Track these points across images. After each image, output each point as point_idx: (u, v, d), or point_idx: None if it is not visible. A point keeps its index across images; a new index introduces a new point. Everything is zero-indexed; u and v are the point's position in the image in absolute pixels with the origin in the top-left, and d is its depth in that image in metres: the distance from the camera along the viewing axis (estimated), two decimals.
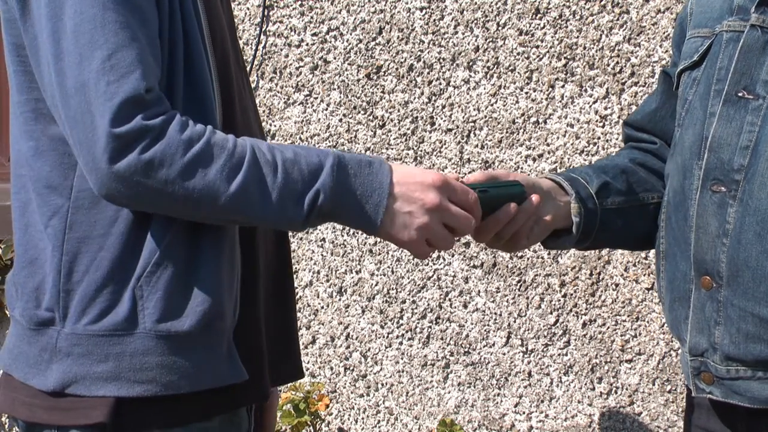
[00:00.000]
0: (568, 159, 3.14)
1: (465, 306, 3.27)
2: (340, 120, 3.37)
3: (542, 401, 3.21)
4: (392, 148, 3.31)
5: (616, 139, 3.10)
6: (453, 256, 3.27)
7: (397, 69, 3.31)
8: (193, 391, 1.66)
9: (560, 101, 3.16)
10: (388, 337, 3.35)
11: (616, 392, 3.14)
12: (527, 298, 3.21)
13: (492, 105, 3.22)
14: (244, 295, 1.76)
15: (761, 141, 1.75)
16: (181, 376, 1.65)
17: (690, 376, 1.86)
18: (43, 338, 1.68)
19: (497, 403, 3.25)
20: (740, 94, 1.79)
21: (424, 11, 3.28)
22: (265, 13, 3.45)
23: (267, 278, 1.85)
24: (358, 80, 3.35)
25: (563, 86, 3.15)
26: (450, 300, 3.28)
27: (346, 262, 3.38)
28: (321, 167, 1.64)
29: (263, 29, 3.44)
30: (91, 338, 1.64)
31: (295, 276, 3.42)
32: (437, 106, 3.27)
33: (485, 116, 3.23)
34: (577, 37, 3.14)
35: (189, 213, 1.61)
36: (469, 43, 3.23)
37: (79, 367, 1.64)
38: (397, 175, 1.68)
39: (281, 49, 3.43)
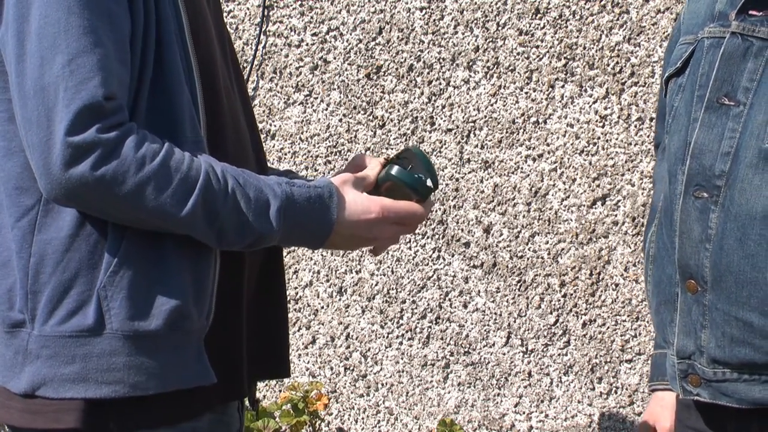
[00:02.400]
0: (568, 159, 3.14)
1: (465, 306, 3.27)
2: (340, 120, 3.38)
3: (542, 401, 3.21)
4: (392, 148, 3.32)
5: (616, 138, 3.10)
6: (453, 256, 3.27)
7: (397, 69, 3.31)
8: (161, 392, 1.66)
9: (560, 101, 3.15)
10: (388, 337, 3.35)
11: (616, 392, 3.14)
12: (527, 298, 3.21)
13: (492, 105, 3.22)
14: (225, 296, 1.75)
15: (741, 147, 1.75)
16: (148, 376, 1.65)
17: (677, 378, 1.86)
18: (16, 341, 1.68)
19: (497, 403, 3.25)
20: (721, 101, 1.79)
21: (424, 11, 3.28)
22: (265, 13, 3.45)
23: (251, 277, 1.84)
24: (358, 80, 3.35)
25: (563, 86, 3.15)
26: (450, 300, 3.28)
27: (346, 262, 3.39)
28: (268, 207, 1.68)
29: (263, 29, 3.45)
30: (58, 340, 1.64)
31: (295, 276, 3.43)
32: (437, 106, 3.27)
33: (485, 116, 3.23)
34: (577, 37, 3.13)
35: (136, 225, 1.63)
36: (469, 43, 3.23)
37: (47, 369, 1.65)
38: (341, 213, 1.75)
39: (281, 49, 3.43)
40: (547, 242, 3.17)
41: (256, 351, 1.85)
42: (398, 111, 3.31)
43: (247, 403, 1.93)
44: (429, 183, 1.82)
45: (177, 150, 1.63)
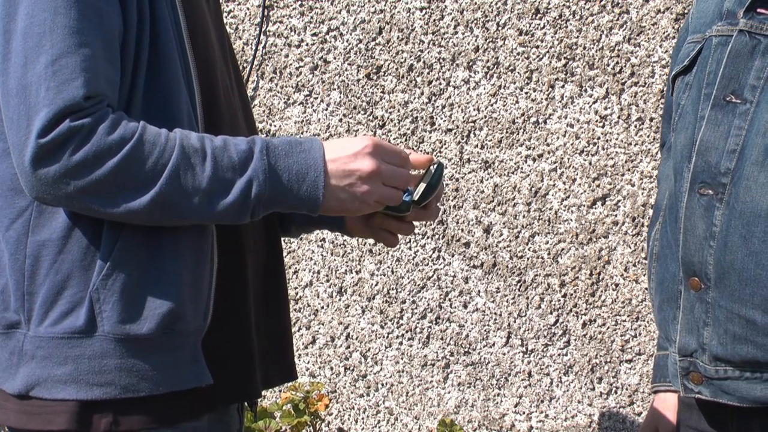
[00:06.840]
0: (568, 159, 3.14)
1: (465, 306, 3.27)
2: (340, 120, 3.38)
3: (542, 401, 3.21)
4: None
5: (616, 139, 3.10)
6: (453, 256, 3.27)
7: (397, 69, 3.31)
8: (154, 393, 1.65)
9: (560, 101, 3.15)
10: (388, 337, 3.35)
11: (616, 392, 3.14)
12: (527, 298, 3.21)
13: (492, 105, 3.22)
14: (231, 296, 1.75)
15: (748, 145, 1.76)
16: (140, 378, 1.64)
17: (678, 376, 1.87)
18: (12, 342, 1.68)
19: (497, 403, 3.25)
20: (728, 99, 1.79)
21: (424, 11, 3.28)
22: (265, 13, 3.45)
23: (257, 278, 1.84)
24: (358, 80, 3.35)
25: (563, 86, 3.15)
26: (450, 300, 3.28)
27: (346, 262, 3.39)
28: (251, 153, 1.62)
29: (263, 29, 3.45)
30: (52, 341, 1.64)
31: (295, 276, 3.43)
32: (437, 106, 3.28)
33: (485, 116, 3.23)
34: (577, 37, 3.13)
35: (124, 213, 1.59)
36: (469, 43, 3.23)
37: (41, 369, 1.65)
38: (329, 151, 1.66)
39: (281, 49, 3.43)
40: (547, 242, 3.18)
41: (266, 352, 1.84)
42: (398, 111, 3.31)
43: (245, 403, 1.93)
44: (411, 197, 1.78)
45: (151, 127, 1.60)
